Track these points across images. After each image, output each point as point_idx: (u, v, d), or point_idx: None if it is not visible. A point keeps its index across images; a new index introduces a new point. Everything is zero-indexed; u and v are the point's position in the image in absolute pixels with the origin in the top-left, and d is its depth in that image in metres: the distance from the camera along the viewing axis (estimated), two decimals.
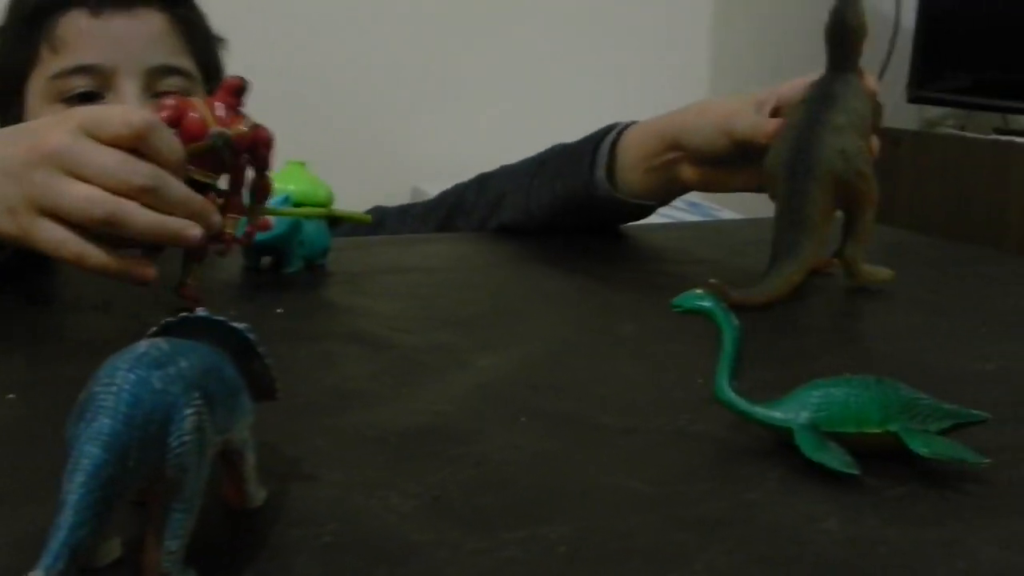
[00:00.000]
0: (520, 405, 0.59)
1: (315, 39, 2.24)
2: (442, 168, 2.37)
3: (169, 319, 0.42)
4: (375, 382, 0.63)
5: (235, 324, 0.43)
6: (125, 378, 0.36)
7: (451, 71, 2.42)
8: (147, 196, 0.70)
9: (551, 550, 0.42)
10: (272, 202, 0.88)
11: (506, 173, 1.21)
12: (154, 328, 0.42)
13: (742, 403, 0.53)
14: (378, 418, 0.56)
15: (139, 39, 1.14)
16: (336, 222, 0.97)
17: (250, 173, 0.79)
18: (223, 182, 0.78)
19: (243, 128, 0.75)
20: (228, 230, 0.78)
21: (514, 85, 2.46)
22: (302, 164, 0.95)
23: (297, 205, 0.91)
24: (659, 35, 2.55)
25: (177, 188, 0.72)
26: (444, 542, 0.42)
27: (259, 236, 0.87)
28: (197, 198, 0.73)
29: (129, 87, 1.12)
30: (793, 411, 0.52)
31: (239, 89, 0.75)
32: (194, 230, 0.73)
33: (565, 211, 1.13)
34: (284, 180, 0.92)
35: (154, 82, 1.14)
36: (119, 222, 0.70)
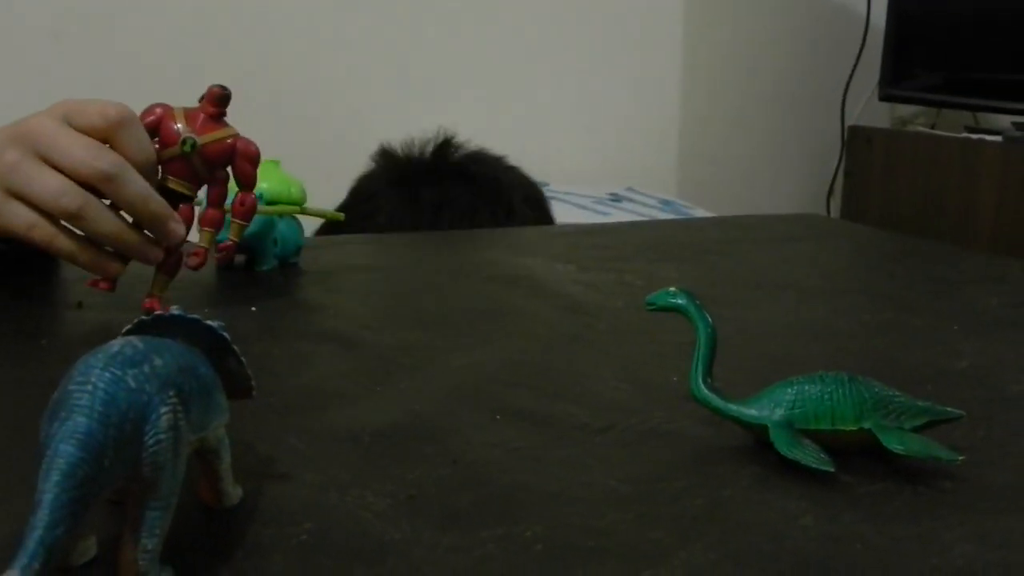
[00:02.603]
0: (495, 404, 0.59)
1: (290, 34, 2.23)
2: None
3: (143, 317, 0.42)
4: (349, 381, 0.63)
5: (209, 322, 0.43)
6: (100, 376, 0.36)
7: (431, 68, 2.41)
8: (107, 184, 0.70)
9: (527, 548, 0.42)
10: None
11: None
12: (128, 326, 0.42)
13: (717, 400, 0.53)
14: (353, 417, 0.56)
15: None
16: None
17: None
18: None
19: (220, 136, 0.74)
20: (202, 243, 0.77)
21: (493, 82, 2.46)
22: (276, 162, 0.94)
23: (271, 203, 0.90)
24: (631, 34, 2.55)
25: (137, 183, 0.71)
26: (420, 540, 0.42)
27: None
28: (156, 198, 0.72)
29: None
30: (768, 408, 0.53)
31: (221, 98, 0.75)
32: (154, 252, 0.73)
33: None
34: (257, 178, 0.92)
35: None
36: (86, 218, 0.70)
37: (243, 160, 0.76)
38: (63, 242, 0.72)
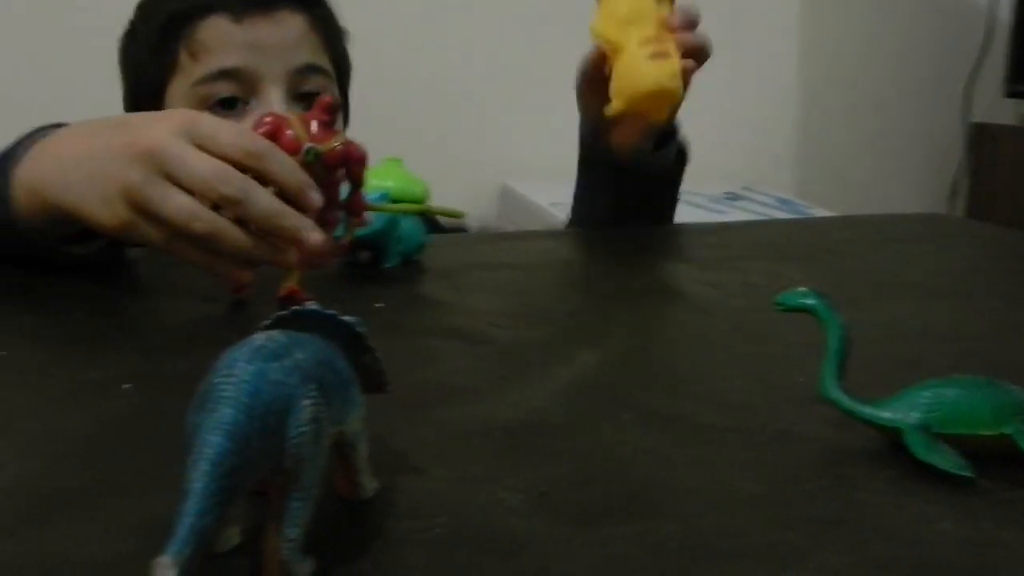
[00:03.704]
0: (622, 401, 0.59)
1: (411, 39, 2.25)
2: (532, 167, 2.38)
3: (281, 312, 0.43)
4: (476, 377, 0.63)
5: (345, 318, 0.44)
6: (245, 369, 0.37)
7: (542, 70, 2.42)
8: (234, 207, 0.71)
9: (661, 546, 0.42)
10: (370, 198, 0.89)
11: None
12: (267, 321, 0.43)
13: (849, 402, 0.53)
14: (482, 413, 0.57)
15: (282, 43, 1.14)
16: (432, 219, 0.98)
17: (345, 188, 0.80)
18: None
19: (335, 144, 0.76)
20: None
21: None
22: (399, 161, 0.96)
23: (394, 201, 0.91)
24: (748, 31, 2.53)
25: (264, 201, 0.72)
26: (554, 536, 0.42)
27: (358, 232, 0.88)
28: (289, 213, 0.73)
29: (274, 92, 1.12)
30: (903, 411, 0.52)
31: (331, 107, 0.76)
32: (287, 259, 0.75)
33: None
34: (381, 177, 0.93)
35: (297, 84, 1.14)
36: (217, 239, 0.72)
37: (355, 163, 0.78)
38: (198, 256, 0.74)
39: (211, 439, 0.35)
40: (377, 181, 0.92)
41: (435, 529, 0.43)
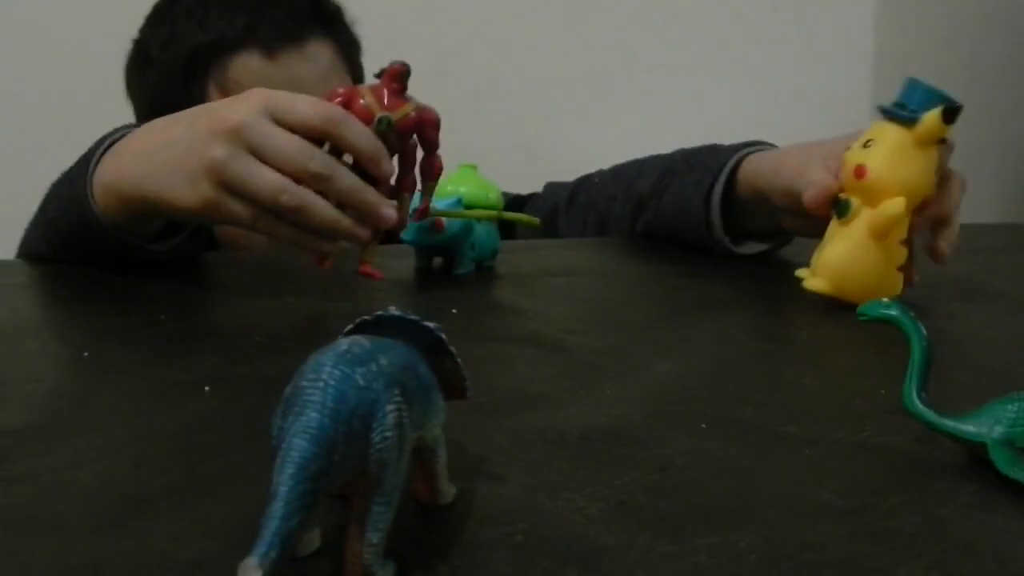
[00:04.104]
0: (700, 411, 0.59)
1: (489, 47, 2.26)
2: None
3: (364, 317, 0.43)
4: (552, 384, 0.63)
5: (427, 323, 0.44)
6: (330, 374, 0.37)
7: (614, 79, 2.42)
8: (321, 183, 0.73)
9: (742, 558, 0.42)
10: (445, 204, 0.90)
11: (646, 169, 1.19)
12: (350, 326, 0.43)
13: (932, 415, 0.52)
14: (559, 420, 0.57)
15: (315, 78, 1.15)
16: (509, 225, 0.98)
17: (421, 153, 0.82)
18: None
19: (408, 111, 0.77)
20: (400, 208, 0.82)
21: (674, 90, 2.45)
22: (474, 167, 0.96)
23: (468, 207, 0.92)
24: (815, 38, 2.50)
25: (347, 178, 0.75)
26: (633, 545, 0.42)
27: (433, 239, 0.89)
28: (366, 189, 0.76)
29: None
30: (987, 425, 0.51)
31: (402, 74, 0.78)
32: (365, 234, 0.77)
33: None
34: (456, 183, 0.94)
35: None
36: (305, 212, 0.73)
37: (429, 128, 0.80)
38: (285, 231, 0.76)
39: (297, 443, 0.35)
40: (452, 187, 0.93)
41: (516, 536, 0.43)
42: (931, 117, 0.80)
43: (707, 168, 1.06)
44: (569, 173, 2.33)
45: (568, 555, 0.41)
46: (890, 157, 0.80)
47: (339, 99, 0.77)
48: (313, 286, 0.79)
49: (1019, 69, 2.56)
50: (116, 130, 0.88)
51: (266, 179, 0.73)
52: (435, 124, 0.80)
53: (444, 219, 0.89)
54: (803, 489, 0.48)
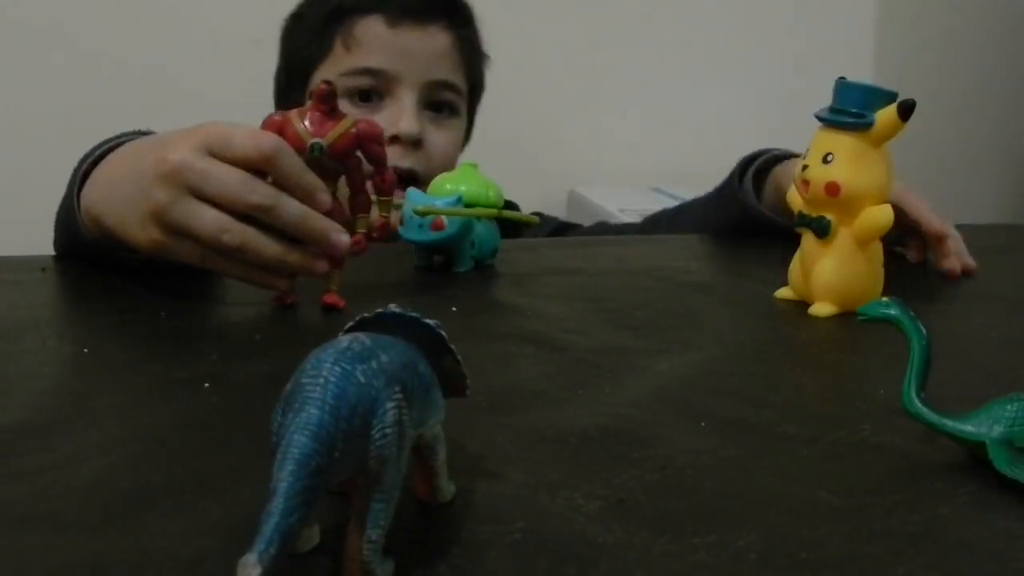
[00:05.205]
0: (699, 410, 0.59)
1: (487, 47, 2.26)
2: (599, 173, 2.38)
3: (364, 315, 0.43)
4: (551, 383, 0.63)
5: (427, 321, 0.44)
6: (331, 371, 0.37)
7: (613, 78, 2.42)
8: (265, 214, 0.73)
9: (741, 556, 0.42)
10: (445, 202, 0.90)
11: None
12: (350, 323, 0.43)
13: (931, 415, 0.52)
14: (558, 418, 0.57)
15: (426, 54, 1.26)
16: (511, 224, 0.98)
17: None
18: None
19: (342, 130, 0.76)
20: (359, 229, 0.80)
21: (672, 90, 2.45)
22: (475, 166, 0.96)
23: (468, 205, 0.92)
24: (819, 40, 2.50)
25: (292, 207, 0.74)
26: (632, 544, 0.42)
27: (434, 236, 0.89)
28: (313, 216, 0.75)
29: (408, 97, 1.24)
30: (986, 425, 0.51)
31: (327, 95, 0.76)
32: (320, 265, 0.77)
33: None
34: (457, 181, 0.94)
35: (430, 94, 1.26)
36: (249, 250, 0.73)
37: (370, 143, 0.78)
38: (235, 269, 0.76)
39: (297, 439, 0.35)
40: (452, 185, 0.93)
41: (514, 534, 0.43)
42: (887, 117, 0.78)
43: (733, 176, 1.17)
44: (569, 173, 2.33)
45: (567, 553, 0.41)
46: (856, 167, 0.79)
47: (273, 127, 0.76)
48: (313, 284, 0.78)
49: (1020, 70, 2.56)
50: (122, 135, 0.89)
51: (207, 219, 0.72)
52: (377, 138, 0.78)
53: (445, 217, 0.89)
54: (801, 488, 0.49)
